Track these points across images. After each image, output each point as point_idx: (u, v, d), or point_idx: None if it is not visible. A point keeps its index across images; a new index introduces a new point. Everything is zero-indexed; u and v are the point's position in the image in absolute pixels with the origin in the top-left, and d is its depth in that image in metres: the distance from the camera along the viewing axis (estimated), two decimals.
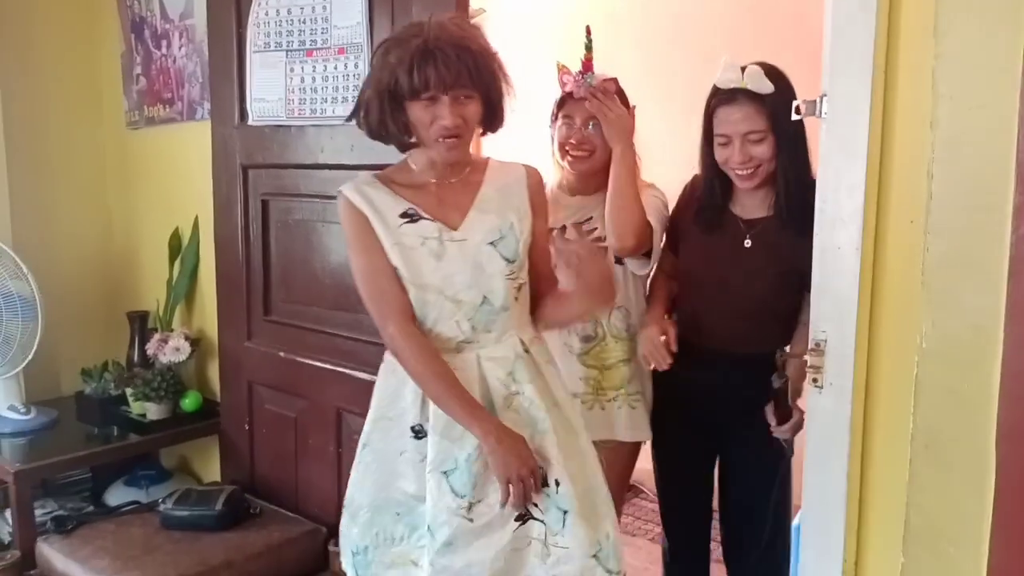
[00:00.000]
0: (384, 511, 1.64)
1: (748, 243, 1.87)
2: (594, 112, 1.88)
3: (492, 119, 1.61)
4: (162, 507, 2.47)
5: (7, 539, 2.70)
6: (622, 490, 2.18)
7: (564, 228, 1.96)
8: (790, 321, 1.90)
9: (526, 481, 1.51)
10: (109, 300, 3.26)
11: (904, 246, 1.28)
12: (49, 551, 2.40)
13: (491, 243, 1.59)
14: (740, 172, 1.82)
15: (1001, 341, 1.10)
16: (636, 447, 2.12)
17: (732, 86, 1.77)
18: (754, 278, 1.86)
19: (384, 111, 1.53)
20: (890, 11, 1.29)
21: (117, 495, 2.88)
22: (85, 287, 3.20)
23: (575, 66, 1.93)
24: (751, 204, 1.89)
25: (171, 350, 2.83)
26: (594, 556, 1.58)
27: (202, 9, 2.72)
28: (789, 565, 2.05)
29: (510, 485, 1.50)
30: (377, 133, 1.58)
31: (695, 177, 1.98)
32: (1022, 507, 1.12)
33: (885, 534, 1.35)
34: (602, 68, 1.93)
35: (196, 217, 2.92)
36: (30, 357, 2.74)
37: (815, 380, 1.48)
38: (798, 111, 1.50)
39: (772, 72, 1.77)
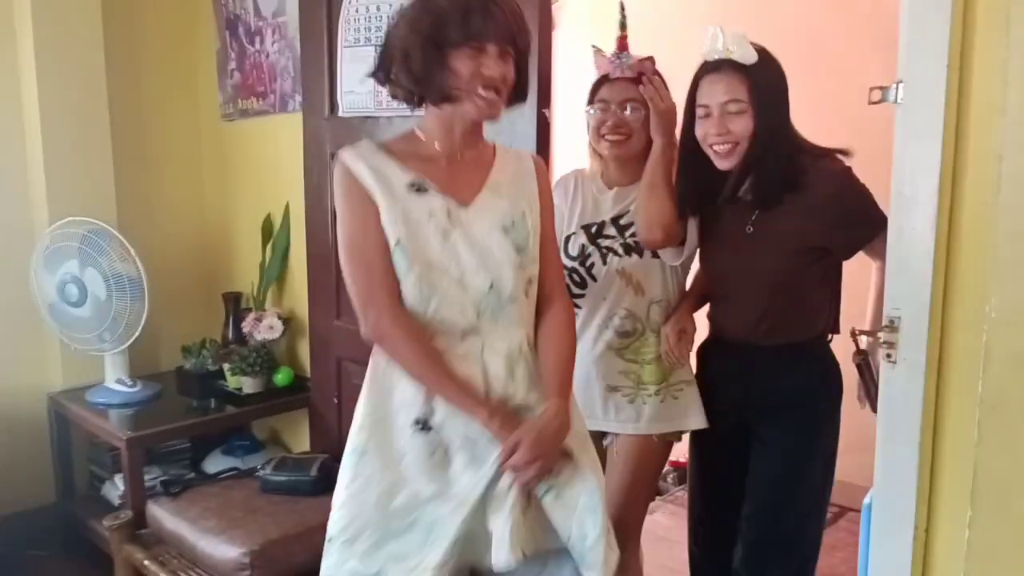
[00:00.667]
0: (394, 521, 1.48)
1: (750, 229, 1.80)
2: (647, 97, 1.81)
3: (518, 90, 1.55)
4: (261, 473, 2.64)
5: (117, 502, 2.93)
6: (654, 481, 2.14)
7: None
8: (810, 306, 1.84)
9: (528, 459, 1.43)
10: (205, 282, 3.47)
11: (977, 225, 1.35)
12: (159, 512, 2.58)
13: (502, 228, 1.52)
14: (718, 148, 1.75)
15: None
16: (666, 447, 2.04)
17: (716, 57, 1.73)
18: (763, 265, 1.80)
19: (429, 58, 1.44)
20: (965, 5, 1.35)
21: (215, 463, 3.07)
22: (183, 269, 3.41)
23: (610, 47, 1.88)
24: (743, 182, 1.81)
25: (265, 328, 3.01)
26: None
27: (294, 7, 2.87)
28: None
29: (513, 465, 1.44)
30: (418, 82, 1.47)
31: None
32: None
33: (954, 499, 1.42)
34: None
35: (287, 203, 3.08)
36: (137, 333, 2.93)
37: (888, 355, 1.53)
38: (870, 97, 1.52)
39: (758, 48, 1.73)
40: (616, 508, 1.97)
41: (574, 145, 3.09)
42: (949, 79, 1.38)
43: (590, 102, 1.97)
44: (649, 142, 1.89)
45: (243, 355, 3.00)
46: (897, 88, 1.47)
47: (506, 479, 1.46)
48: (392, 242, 1.47)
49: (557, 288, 1.63)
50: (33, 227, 3.06)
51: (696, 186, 1.85)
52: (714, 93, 1.74)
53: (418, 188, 1.49)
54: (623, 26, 1.87)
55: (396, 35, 1.50)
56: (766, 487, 1.89)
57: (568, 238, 2.01)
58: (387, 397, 1.53)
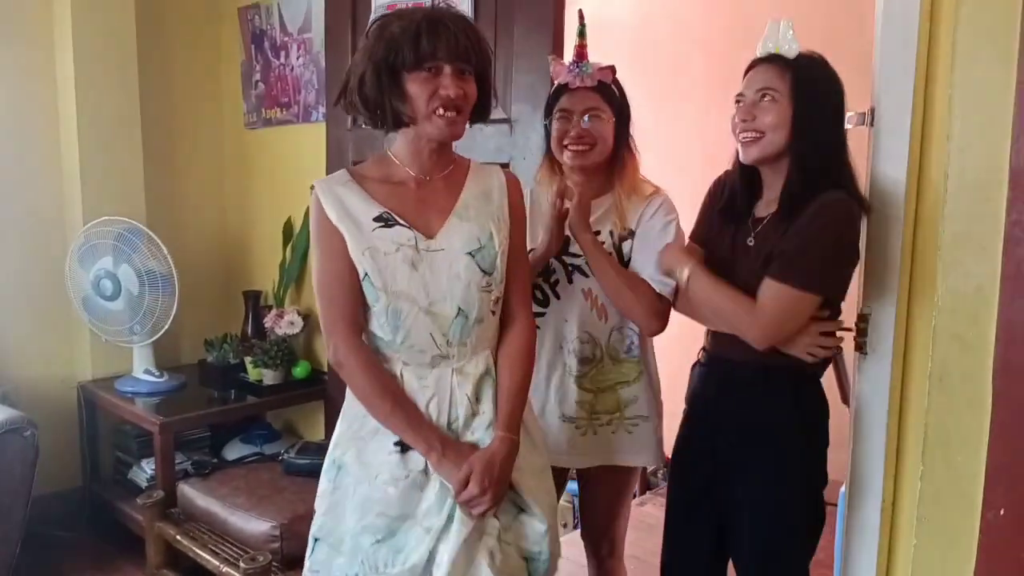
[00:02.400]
0: (364, 537, 1.51)
1: (751, 241, 1.69)
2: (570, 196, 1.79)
3: (482, 107, 1.55)
4: (285, 456, 2.84)
5: (145, 484, 3.11)
6: (621, 516, 2.05)
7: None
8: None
9: (479, 489, 1.47)
10: (225, 280, 3.67)
11: (934, 232, 1.59)
12: (190, 491, 2.78)
13: (469, 253, 1.52)
14: (743, 136, 1.65)
15: (997, 299, 1.44)
16: (635, 472, 2.00)
17: (766, 52, 1.66)
18: (752, 280, 1.65)
19: (382, 84, 1.45)
20: (929, 47, 1.60)
21: (234, 451, 3.25)
22: (205, 268, 3.61)
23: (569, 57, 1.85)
24: (771, 198, 1.68)
25: (286, 324, 3.20)
26: (527, 559, 1.58)
27: (319, 24, 3.09)
28: None
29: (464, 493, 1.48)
30: (372, 109, 1.49)
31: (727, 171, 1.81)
32: (1011, 424, 1.45)
33: (914, 465, 1.66)
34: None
35: (308, 207, 3.27)
36: (166, 327, 3.13)
37: (861, 347, 1.77)
38: (850, 120, 1.73)
39: (817, 57, 1.65)
40: (598, 530, 2.05)
41: None
42: (914, 109, 1.62)
43: (548, 113, 1.90)
44: (612, 152, 1.86)
45: (265, 349, 3.19)
46: (871, 114, 1.71)
47: (460, 512, 1.50)
48: (361, 275, 1.51)
49: (521, 306, 1.63)
50: (67, 225, 3.26)
51: (737, 191, 1.74)
52: (752, 83, 1.65)
53: (385, 222, 1.50)
54: (582, 34, 1.86)
55: (354, 62, 1.51)
56: (757, 547, 1.76)
57: (529, 253, 1.86)
58: (364, 417, 1.55)
